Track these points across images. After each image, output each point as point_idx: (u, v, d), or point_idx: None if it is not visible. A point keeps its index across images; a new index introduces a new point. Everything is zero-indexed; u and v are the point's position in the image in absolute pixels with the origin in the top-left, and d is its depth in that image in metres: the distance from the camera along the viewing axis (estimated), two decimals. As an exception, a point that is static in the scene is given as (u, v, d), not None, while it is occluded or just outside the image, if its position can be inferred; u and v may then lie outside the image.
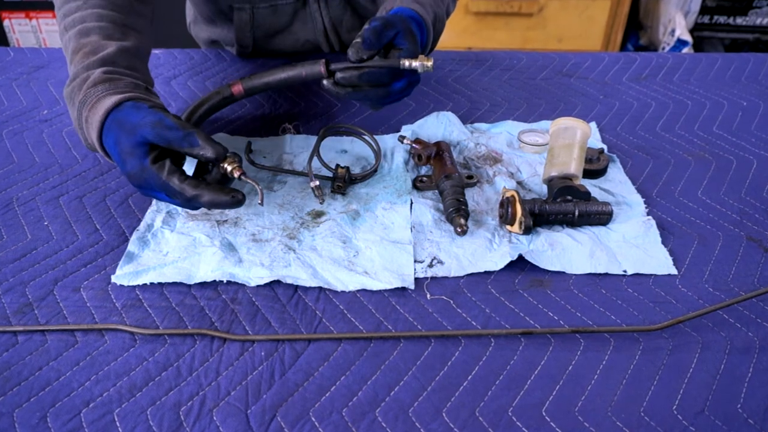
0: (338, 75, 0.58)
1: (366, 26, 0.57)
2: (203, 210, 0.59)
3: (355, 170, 0.65)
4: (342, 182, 0.61)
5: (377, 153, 0.66)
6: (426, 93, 0.81)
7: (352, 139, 0.70)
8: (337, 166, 0.63)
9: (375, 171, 0.64)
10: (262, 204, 0.54)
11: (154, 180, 0.50)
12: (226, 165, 0.52)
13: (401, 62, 0.57)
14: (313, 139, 0.70)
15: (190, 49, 0.93)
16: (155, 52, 0.91)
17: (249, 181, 0.52)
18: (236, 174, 0.52)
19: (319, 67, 0.59)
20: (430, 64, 0.57)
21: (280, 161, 0.67)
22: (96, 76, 0.55)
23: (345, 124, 0.72)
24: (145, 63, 0.62)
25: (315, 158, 0.63)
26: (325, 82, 0.59)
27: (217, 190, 0.51)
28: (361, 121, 0.75)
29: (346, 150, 0.69)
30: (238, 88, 0.64)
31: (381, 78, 0.58)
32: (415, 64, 0.57)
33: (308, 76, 0.61)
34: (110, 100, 0.53)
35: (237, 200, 0.51)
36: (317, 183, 0.60)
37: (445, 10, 0.72)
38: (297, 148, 0.70)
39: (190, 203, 0.52)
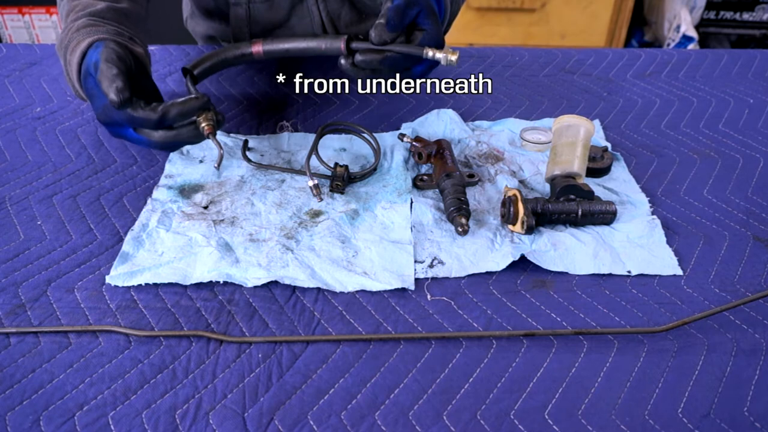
0: (358, 57, 0.55)
1: (389, 4, 0.54)
2: (200, 209, 0.58)
3: (354, 169, 0.64)
4: (341, 181, 0.60)
5: (377, 151, 0.65)
6: (426, 90, 0.80)
7: (351, 137, 0.70)
8: (336, 164, 0.62)
9: (374, 170, 0.64)
10: (217, 168, 0.56)
11: (118, 114, 0.52)
12: (200, 119, 0.54)
13: (425, 51, 0.54)
14: (311, 137, 0.70)
15: (186, 45, 0.92)
16: (150, 48, 0.90)
17: (214, 142, 0.55)
18: (206, 131, 0.54)
19: (340, 43, 0.58)
20: (454, 58, 0.54)
21: (278, 159, 0.67)
22: (80, 23, 0.57)
23: (344, 121, 0.72)
24: (137, 26, 0.63)
25: (313, 156, 0.63)
26: (342, 61, 0.57)
27: (183, 102, 0.53)
28: (361, 118, 0.74)
29: (344, 148, 0.68)
30: (258, 49, 0.64)
31: (402, 63, 0.55)
32: (439, 55, 0.54)
33: (327, 50, 0.60)
34: (86, 42, 0.55)
35: (203, 101, 0.53)
36: (315, 182, 0.59)
37: None
38: (295, 146, 0.69)
39: (161, 129, 0.53)
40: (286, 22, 0.85)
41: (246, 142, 0.67)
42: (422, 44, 0.55)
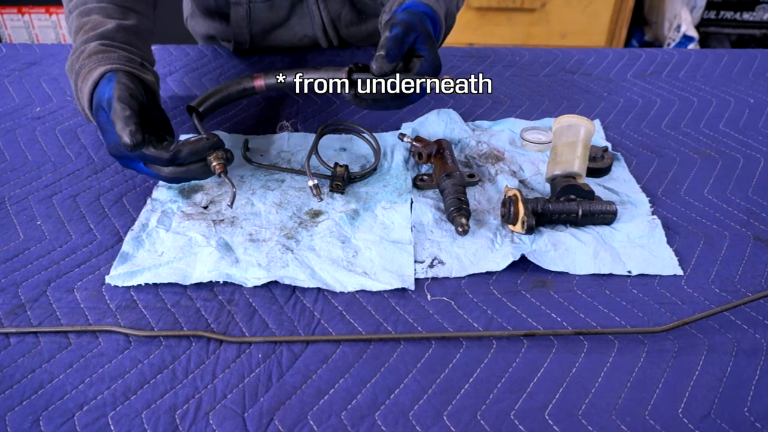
0: (360, 89, 0.58)
1: (387, 33, 0.56)
2: (200, 209, 0.58)
3: (354, 169, 0.64)
4: (341, 181, 0.60)
5: (377, 151, 0.65)
6: (427, 90, 0.80)
7: (351, 137, 0.69)
8: (336, 164, 0.62)
9: (374, 169, 0.64)
10: (231, 206, 0.56)
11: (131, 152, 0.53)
12: (211, 158, 0.55)
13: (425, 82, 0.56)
14: (311, 137, 0.69)
15: (186, 45, 0.92)
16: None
17: (227, 180, 0.55)
18: (218, 170, 0.55)
19: (341, 75, 0.60)
20: (451, 88, 0.57)
21: (278, 159, 0.66)
22: (91, 48, 0.57)
23: (344, 121, 0.72)
24: (146, 42, 0.64)
25: (313, 156, 0.63)
26: (346, 92, 0.59)
27: (194, 142, 0.53)
28: (361, 118, 0.74)
29: (345, 148, 0.68)
30: (260, 83, 0.65)
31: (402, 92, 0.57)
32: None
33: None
34: (98, 71, 0.55)
35: (213, 141, 0.54)
36: (315, 182, 0.59)
37: (456, 5, 0.71)
38: (295, 146, 0.69)
39: (171, 166, 0.54)
40: (286, 22, 0.85)
41: (246, 142, 0.67)
42: (420, 72, 0.57)
